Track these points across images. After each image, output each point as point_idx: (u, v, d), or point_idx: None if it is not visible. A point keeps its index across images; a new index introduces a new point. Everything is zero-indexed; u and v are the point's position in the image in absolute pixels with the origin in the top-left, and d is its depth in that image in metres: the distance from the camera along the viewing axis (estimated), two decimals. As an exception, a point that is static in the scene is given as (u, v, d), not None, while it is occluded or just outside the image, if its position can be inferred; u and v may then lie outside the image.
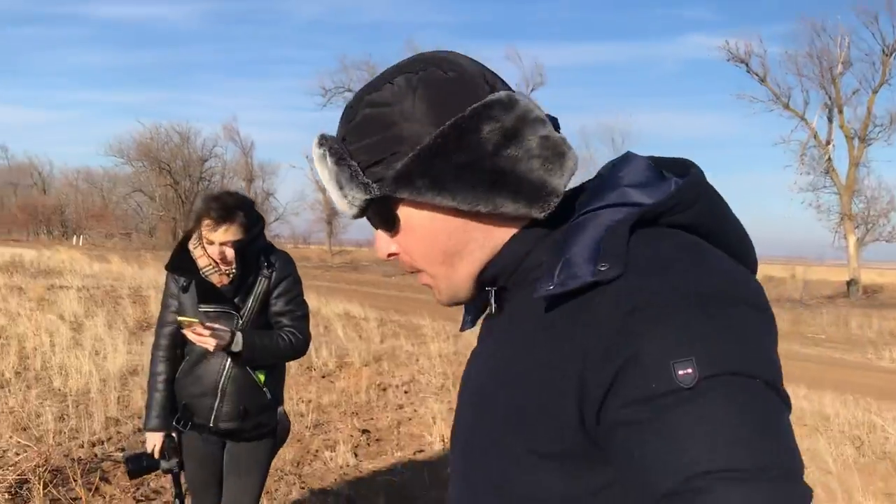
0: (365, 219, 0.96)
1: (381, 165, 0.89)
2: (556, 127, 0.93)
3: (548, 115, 0.93)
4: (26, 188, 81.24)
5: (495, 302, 0.99)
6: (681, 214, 0.85)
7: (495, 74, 0.94)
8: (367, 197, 0.90)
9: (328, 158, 0.92)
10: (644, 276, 0.78)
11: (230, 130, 60.05)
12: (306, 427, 6.18)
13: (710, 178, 0.90)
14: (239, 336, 2.64)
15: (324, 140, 0.93)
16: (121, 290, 15.21)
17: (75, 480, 4.41)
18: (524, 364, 0.86)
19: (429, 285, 0.99)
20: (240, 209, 2.73)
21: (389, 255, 0.97)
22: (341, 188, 0.91)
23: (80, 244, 55.85)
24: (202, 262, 2.75)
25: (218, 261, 2.72)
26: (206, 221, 2.69)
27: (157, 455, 2.85)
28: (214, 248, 2.70)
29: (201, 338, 2.52)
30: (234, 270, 2.74)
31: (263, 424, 2.90)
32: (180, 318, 2.65)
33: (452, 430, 1.03)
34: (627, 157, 0.94)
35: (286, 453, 5.22)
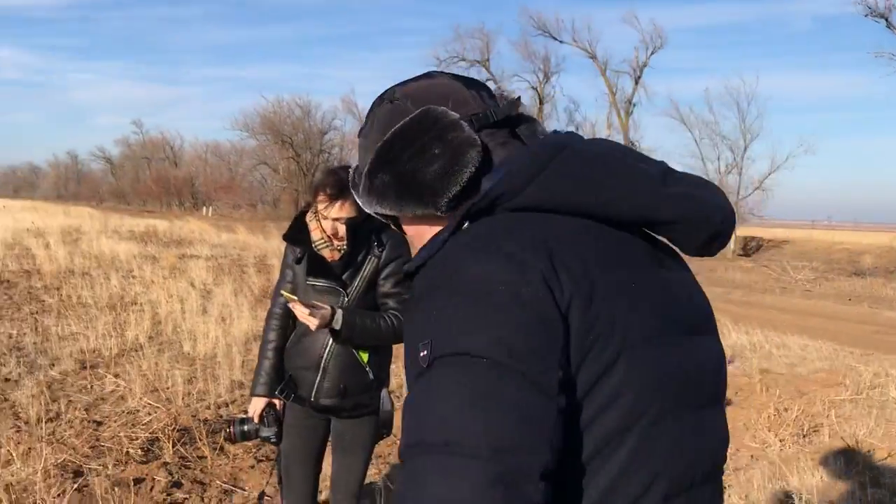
0: None
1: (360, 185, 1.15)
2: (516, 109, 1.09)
3: (513, 101, 1.09)
4: (159, 162, 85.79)
5: None
6: (516, 199, 0.95)
7: (458, 81, 1.09)
8: (372, 211, 1.17)
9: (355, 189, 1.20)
10: (425, 272, 0.95)
11: (348, 103, 61.08)
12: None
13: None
14: (339, 314, 2.62)
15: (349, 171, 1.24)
16: (246, 259, 15.86)
17: (201, 440, 4.63)
18: None
19: None
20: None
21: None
22: (367, 207, 1.17)
23: (209, 215, 58.65)
24: (315, 235, 2.77)
25: (330, 236, 2.74)
26: (321, 196, 2.70)
27: (257, 420, 2.90)
28: (328, 223, 2.72)
29: (303, 315, 2.56)
30: (344, 247, 2.75)
31: (364, 405, 2.86)
32: (283, 293, 2.69)
33: None
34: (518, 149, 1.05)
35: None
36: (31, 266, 13.53)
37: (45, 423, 4.96)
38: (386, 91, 1.12)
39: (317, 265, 2.79)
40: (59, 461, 4.29)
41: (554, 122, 46.95)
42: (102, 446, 4.63)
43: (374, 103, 1.14)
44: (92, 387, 5.98)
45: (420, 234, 1.10)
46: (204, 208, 66.63)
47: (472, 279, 0.87)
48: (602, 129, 42.31)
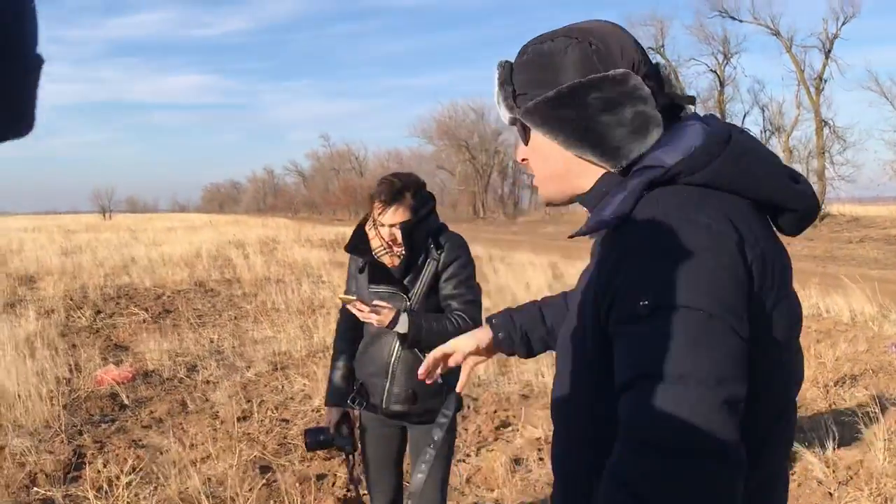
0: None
1: (525, 96, 1.23)
2: (692, 102, 1.25)
3: (685, 95, 1.25)
4: (346, 172, 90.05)
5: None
6: (695, 175, 1.11)
7: (637, 50, 1.20)
8: (513, 116, 1.25)
9: (498, 77, 1.27)
10: (633, 230, 1.10)
11: (520, 102, 61.18)
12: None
13: None
14: (404, 316, 2.61)
15: (500, 65, 1.28)
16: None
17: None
18: (583, 283, 1.28)
19: (535, 186, 1.33)
20: (408, 190, 2.73)
21: (522, 159, 1.32)
22: (500, 102, 1.28)
23: (393, 221, 60.68)
24: (374, 243, 2.77)
25: (388, 242, 2.73)
26: (376, 204, 2.71)
27: (332, 430, 2.90)
28: (384, 230, 2.71)
29: (363, 314, 2.56)
30: (403, 252, 2.74)
31: (435, 410, 2.82)
32: (341, 297, 2.69)
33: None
34: (686, 122, 1.19)
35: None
36: (231, 275, 14.64)
37: (240, 421, 5.34)
38: (580, 30, 1.21)
39: (378, 272, 2.79)
40: (250, 457, 4.60)
41: (738, 105, 44.55)
42: (290, 443, 4.91)
43: (570, 31, 1.22)
44: (282, 387, 6.36)
45: (570, 173, 1.24)
46: (388, 214, 68.91)
47: (682, 244, 1.04)
48: (791, 108, 39.52)
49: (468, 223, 49.63)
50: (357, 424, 2.97)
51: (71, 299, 11.51)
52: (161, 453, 4.75)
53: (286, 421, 5.40)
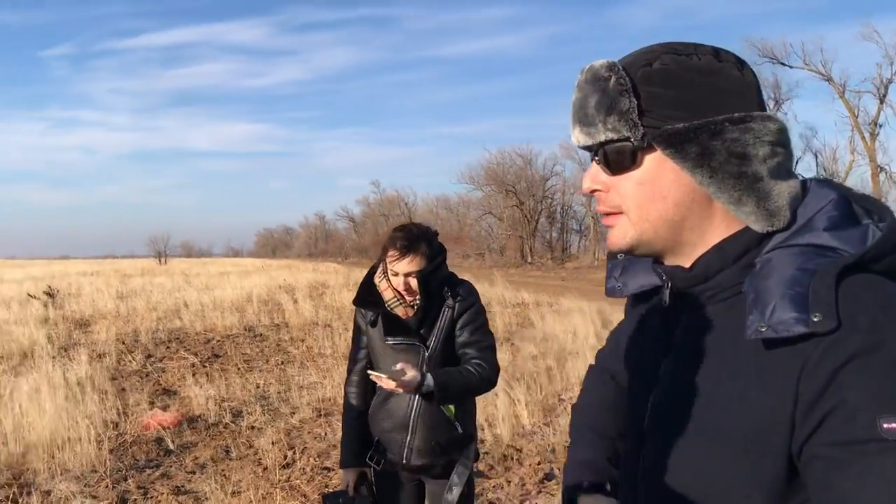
0: (581, 150, 1.05)
1: (657, 116, 0.96)
2: None
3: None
4: (396, 217, 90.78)
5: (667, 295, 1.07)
6: (878, 263, 0.91)
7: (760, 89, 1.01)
8: (627, 135, 0.96)
9: (612, 84, 0.96)
10: (855, 329, 0.84)
11: (567, 148, 61.27)
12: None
13: None
14: (429, 378, 2.57)
15: (615, 68, 0.98)
16: (472, 308, 16.18)
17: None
18: (733, 390, 0.94)
19: (610, 226, 1.04)
20: (423, 239, 2.72)
21: (592, 190, 1.04)
22: (607, 116, 0.97)
23: (441, 266, 60.91)
24: (387, 294, 2.74)
25: (402, 292, 2.70)
26: (391, 252, 2.69)
27: (351, 492, 2.85)
28: (399, 279, 2.69)
29: (391, 387, 2.51)
30: (417, 301, 2.71)
31: (455, 461, 2.79)
32: (370, 373, 2.61)
33: (633, 396, 1.15)
34: (820, 191, 0.98)
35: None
36: (280, 320, 14.76)
37: (282, 468, 5.32)
38: (723, 50, 1.00)
39: (392, 324, 2.76)
40: (290, 506, 4.56)
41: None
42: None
43: (711, 50, 0.99)
44: (325, 434, 6.33)
45: (687, 221, 0.99)
46: (436, 259, 69.18)
47: None
48: (845, 153, 38.86)
49: (515, 268, 49.49)
50: (374, 483, 2.90)
51: (123, 343, 11.71)
52: (203, 500, 4.74)
53: (328, 469, 5.36)
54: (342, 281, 27.39)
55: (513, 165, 63.54)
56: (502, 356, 9.65)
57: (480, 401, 7.07)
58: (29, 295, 19.84)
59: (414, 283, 2.67)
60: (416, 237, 2.70)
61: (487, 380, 2.70)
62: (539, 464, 5.41)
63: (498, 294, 18.93)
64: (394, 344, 2.75)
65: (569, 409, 6.90)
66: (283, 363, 10.03)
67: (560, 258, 59.80)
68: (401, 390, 2.52)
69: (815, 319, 0.85)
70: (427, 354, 2.71)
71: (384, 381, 2.51)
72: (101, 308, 17.16)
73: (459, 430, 2.76)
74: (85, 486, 5.00)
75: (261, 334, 13.01)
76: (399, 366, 2.56)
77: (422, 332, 2.74)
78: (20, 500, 4.61)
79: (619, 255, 1.17)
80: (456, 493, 2.74)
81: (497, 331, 12.53)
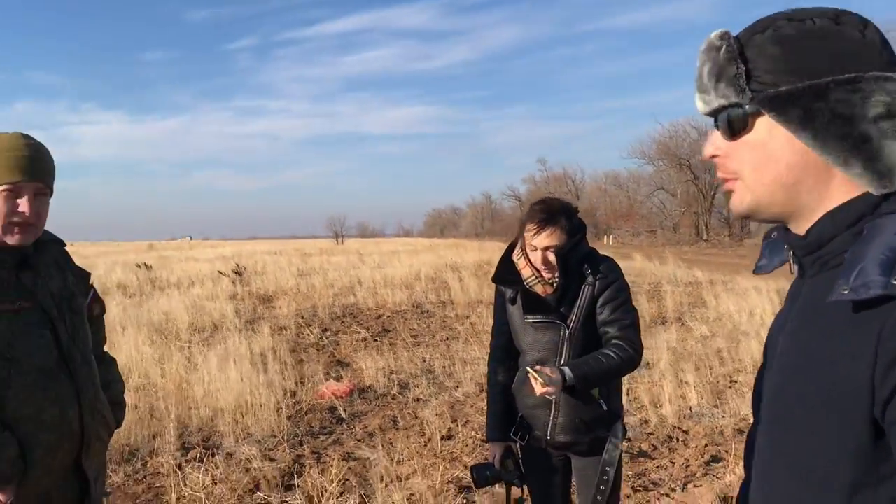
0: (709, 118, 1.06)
1: (765, 81, 0.97)
2: None
3: None
4: (562, 195, 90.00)
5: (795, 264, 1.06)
6: None
7: (890, 48, 0.97)
8: (736, 101, 0.98)
9: (722, 52, 0.99)
10: None
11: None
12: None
13: None
14: (567, 371, 2.50)
15: (727, 36, 1.00)
16: (641, 286, 15.82)
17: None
18: (823, 355, 0.92)
19: (731, 190, 1.05)
20: (563, 214, 2.65)
21: (712, 156, 1.05)
22: (717, 82, 1.00)
23: (610, 244, 59.93)
24: (526, 272, 2.68)
25: (541, 267, 2.63)
26: (530, 226, 2.64)
27: (497, 465, 2.82)
28: (537, 254, 2.62)
29: (543, 391, 2.46)
30: (556, 279, 2.63)
31: (602, 438, 2.68)
32: (529, 370, 2.56)
33: (757, 381, 1.14)
34: None
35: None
36: (446, 297, 15.09)
37: (445, 440, 5.46)
38: (842, 11, 0.99)
39: (532, 302, 2.70)
40: (451, 477, 4.67)
41: None
42: (491, 465, 4.93)
43: (826, 13, 0.98)
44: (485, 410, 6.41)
45: (801, 184, 0.98)
46: (605, 237, 68.23)
47: None
48: None
49: (689, 246, 47.71)
50: (520, 457, 2.91)
51: (302, 317, 12.42)
52: (370, 467, 4.96)
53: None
54: (509, 259, 27.54)
55: (686, 138, 61.07)
56: (670, 336, 9.37)
57: (645, 381, 6.93)
58: (220, 273, 21.49)
59: (552, 257, 2.63)
60: (556, 211, 2.66)
61: (629, 360, 2.63)
62: (706, 446, 5.22)
63: (669, 272, 18.35)
64: (533, 322, 2.72)
65: (740, 391, 6.61)
66: (448, 339, 10.26)
67: (738, 235, 56.91)
68: (550, 391, 2.48)
69: (895, 282, 0.83)
70: (567, 332, 2.68)
71: (537, 384, 2.49)
72: (282, 285, 18.27)
73: (604, 407, 2.71)
74: (264, 449, 5.37)
75: (428, 311, 13.37)
76: (537, 369, 2.53)
77: (561, 310, 2.69)
78: (207, 461, 5.02)
79: (772, 235, 1.14)
80: (611, 473, 2.70)
81: (667, 310, 12.17)
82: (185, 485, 4.54)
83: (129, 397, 5.41)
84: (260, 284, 18.58)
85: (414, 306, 13.99)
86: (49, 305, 2.10)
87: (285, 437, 5.62)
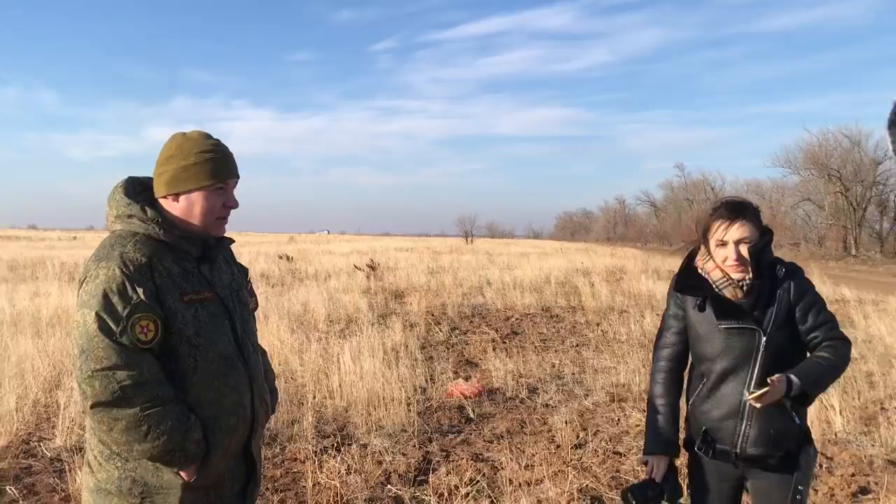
0: None
1: None
2: None
3: None
4: (700, 202, 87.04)
5: None
6: None
7: None
8: None
9: None
10: None
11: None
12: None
13: None
14: (794, 378, 2.38)
15: None
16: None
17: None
18: None
19: None
20: (749, 209, 2.58)
21: None
22: None
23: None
24: (715, 275, 2.58)
25: (733, 264, 2.53)
26: (719, 222, 2.56)
27: (658, 480, 2.68)
28: (729, 248, 2.52)
29: (765, 401, 2.36)
30: (748, 280, 2.52)
31: (794, 455, 2.52)
32: (747, 394, 2.45)
33: None
34: None
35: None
36: (576, 303, 14.92)
37: (574, 448, 5.40)
38: None
39: (725, 307, 2.56)
40: (581, 486, 4.62)
41: None
42: (621, 477, 4.84)
43: None
44: (618, 420, 6.30)
45: None
46: (743, 248, 65.19)
47: None
48: None
49: (836, 261, 45.02)
50: (687, 473, 2.82)
51: (432, 315, 12.61)
52: (498, 469, 4.97)
53: (620, 454, 5.34)
54: (640, 267, 26.94)
55: (837, 147, 57.60)
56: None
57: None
58: (355, 267, 22.13)
59: (745, 251, 2.53)
60: (744, 204, 2.61)
61: (844, 358, 2.53)
62: (853, 475, 4.92)
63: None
64: (727, 328, 2.58)
65: (893, 420, 6.17)
66: (578, 345, 10.14)
67: (892, 252, 53.18)
68: (772, 398, 2.38)
69: None
70: (764, 339, 2.53)
71: (759, 398, 2.39)
72: (414, 281, 18.62)
73: (797, 421, 2.58)
74: (395, 443, 5.49)
75: (557, 315, 13.26)
76: (771, 378, 2.40)
77: (755, 313, 2.55)
78: (342, 450, 5.19)
79: None
80: (804, 494, 2.59)
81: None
82: (321, 472, 4.71)
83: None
84: (392, 280, 19.01)
85: (543, 310, 13.91)
86: (226, 296, 2.25)
87: (415, 433, 5.72)
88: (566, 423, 5.99)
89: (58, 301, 11.67)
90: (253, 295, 2.53)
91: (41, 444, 5.28)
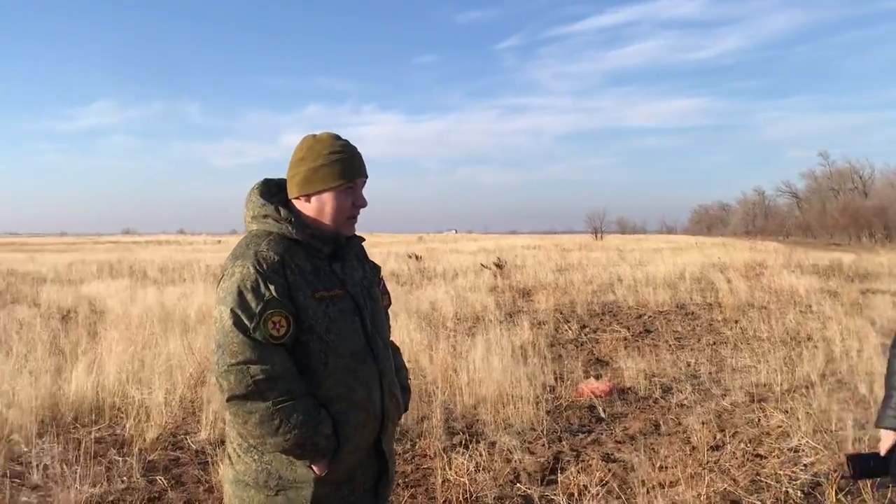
0: None
1: None
2: None
3: None
4: (847, 192, 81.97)
5: None
6: None
7: None
8: None
9: None
10: None
11: None
12: None
13: None
14: None
15: None
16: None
17: (868, 490, 4.20)
18: None
19: None
20: None
21: None
22: None
23: (904, 247, 53.40)
24: None
25: None
26: None
27: (883, 452, 2.48)
28: None
29: None
30: None
31: None
32: None
33: None
34: None
35: None
36: (713, 299, 14.35)
37: (711, 450, 5.18)
38: None
39: None
40: (718, 489, 4.42)
41: None
42: (762, 481, 4.59)
43: None
44: (758, 420, 5.99)
45: None
46: (897, 239, 60.96)
47: None
48: None
49: None
50: None
51: (560, 313, 12.47)
52: (630, 470, 4.84)
53: (760, 457, 5.07)
54: (782, 261, 25.63)
55: None
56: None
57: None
58: (482, 265, 22.22)
59: None
60: None
61: None
62: None
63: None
64: None
65: None
66: (714, 343, 9.74)
67: None
68: None
69: None
70: None
71: None
72: (541, 279, 18.49)
73: None
74: (524, 441, 5.45)
75: (692, 312, 12.80)
76: None
77: None
78: (471, 447, 5.19)
79: None
80: None
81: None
82: (451, 468, 4.74)
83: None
84: (519, 278, 18.95)
85: (678, 307, 13.47)
86: (356, 293, 2.29)
87: (545, 432, 5.65)
88: (703, 423, 5.76)
89: (202, 301, 12.32)
90: (386, 292, 2.57)
91: (187, 437, 5.59)
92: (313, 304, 2.13)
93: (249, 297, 2.05)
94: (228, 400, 2.04)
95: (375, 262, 2.58)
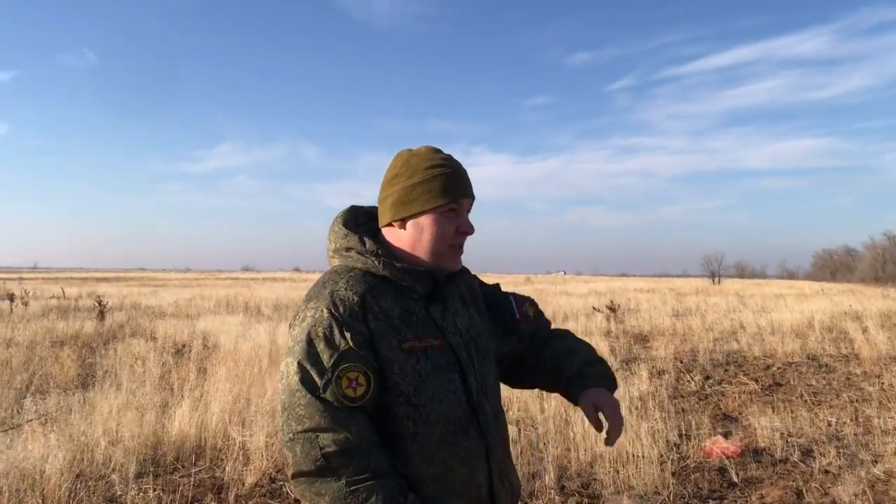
0: None
1: None
2: None
3: None
4: None
5: None
6: None
7: None
8: None
9: None
10: None
11: None
12: None
13: None
14: None
15: None
16: None
17: None
18: None
19: None
20: None
21: None
22: None
23: None
24: None
25: None
26: None
27: None
28: None
29: None
30: None
31: None
32: None
33: None
34: None
35: None
36: (848, 350, 13.22)
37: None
38: None
39: None
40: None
41: None
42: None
43: None
44: (921, 495, 5.22)
45: None
46: None
47: None
48: None
49: None
50: None
51: (681, 361, 11.72)
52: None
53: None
54: (923, 310, 23.64)
55: None
56: None
57: None
58: (594, 308, 21.49)
59: None
60: None
61: None
62: None
63: None
64: None
65: None
66: (855, 400, 8.83)
67: None
68: None
69: None
70: None
71: None
72: (658, 324, 17.64)
73: None
74: (649, 506, 4.92)
75: (826, 364, 11.78)
76: None
77: None
78: (590, 511, 4.71)
79: None
80: None
81: None
82: (566, 536, 4.27)
83: (510, 430, 5.34)
84: (634, 322, 18.16)
85: (809, 358, 12.45)
86: (458, 344, 1.85)
87: (670, 497, 5.10)
88: (855, 495, 5.06)
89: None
90: (525, 302, 2.14)
91: (286, 484, 5.34)
92: (400, 356, 1.71)
93: (321, 347, 1.66)
94: (293, 476, 1.64)
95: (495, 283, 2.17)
